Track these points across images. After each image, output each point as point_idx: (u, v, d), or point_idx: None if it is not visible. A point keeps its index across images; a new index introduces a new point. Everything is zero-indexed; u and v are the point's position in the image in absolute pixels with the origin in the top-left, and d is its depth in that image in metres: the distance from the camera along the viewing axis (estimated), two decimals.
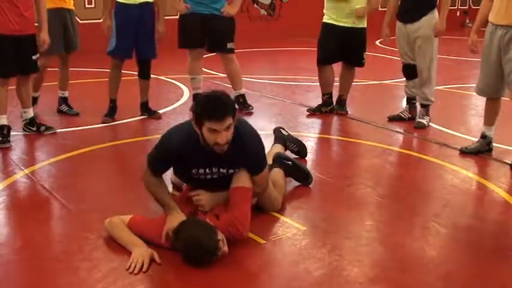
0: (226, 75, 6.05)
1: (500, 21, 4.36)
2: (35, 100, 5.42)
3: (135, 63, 5.60)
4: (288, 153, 4.45)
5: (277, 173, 3.72)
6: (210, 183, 3.23)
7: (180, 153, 3.10)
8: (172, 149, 3.12)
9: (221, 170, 3.19)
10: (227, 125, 2.95)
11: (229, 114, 2.95)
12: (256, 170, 3.22)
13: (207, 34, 5.61)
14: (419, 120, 5.55)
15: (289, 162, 3.93)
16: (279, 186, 3.63)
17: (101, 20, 5.48)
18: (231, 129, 2.99)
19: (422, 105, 5.60)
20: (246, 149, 3.14)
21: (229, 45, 5.68)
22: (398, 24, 5.55)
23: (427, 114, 5.58)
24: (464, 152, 4.73)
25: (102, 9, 5.60)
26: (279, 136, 4.45)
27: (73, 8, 5.62)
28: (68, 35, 5.47)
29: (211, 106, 2.94)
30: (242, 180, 3.17)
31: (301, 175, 3.98)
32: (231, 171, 3.20)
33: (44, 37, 4.83)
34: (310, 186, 4.02)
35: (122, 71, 5.55)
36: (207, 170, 3.17)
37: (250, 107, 5.94)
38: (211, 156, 3.07)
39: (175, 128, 3.25)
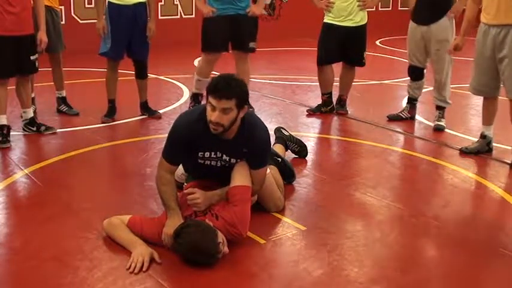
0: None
1: (493, 21, 4.39)
2: (31, 101, 5.37)
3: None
4: (289, 153, 4.46)
5: (276, 172, 3.72)
6: (212, 173, 3.27)
7: (189, 134, 3.14)
8: (182, 129, 3.18)
9: (224, 156, 3.21)
10: (224, 106, 2.98)
11: (228, 97, 2.98)
12: (258, 164, 3.25)
13: (232, 34, 5.50)
14: (438, 123, 5.45)
15: (279, 159, 3.94)
16: (279, 185, 3.63)
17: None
18: (229, 115, 3.02)
19: (438, 107, 5.51)
20: (254, 141, 3.19)
21: (251, 45, 5.62)
22: (412, 25, 5.48)
23: (443, 116, 5.49)
24: (464, 152, 4.73)
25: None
26: (280, 136, 4.45)
27: (56, 6, 5.38)
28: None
29: (216, 82, 3.03)
30: (242, 178, 3.17)
31: (288, 173, 3.98)
32: (233, 160, 3.23)
33: (42, 37, 4.82)
34: (311, 186, 4.02)
35: (122, 71, 5.54)
36: (212, 154, 3.21)
37: (250, 107, 5.92)
38: (218, 140, 3.12)
39: (187, 110, 3.30)
